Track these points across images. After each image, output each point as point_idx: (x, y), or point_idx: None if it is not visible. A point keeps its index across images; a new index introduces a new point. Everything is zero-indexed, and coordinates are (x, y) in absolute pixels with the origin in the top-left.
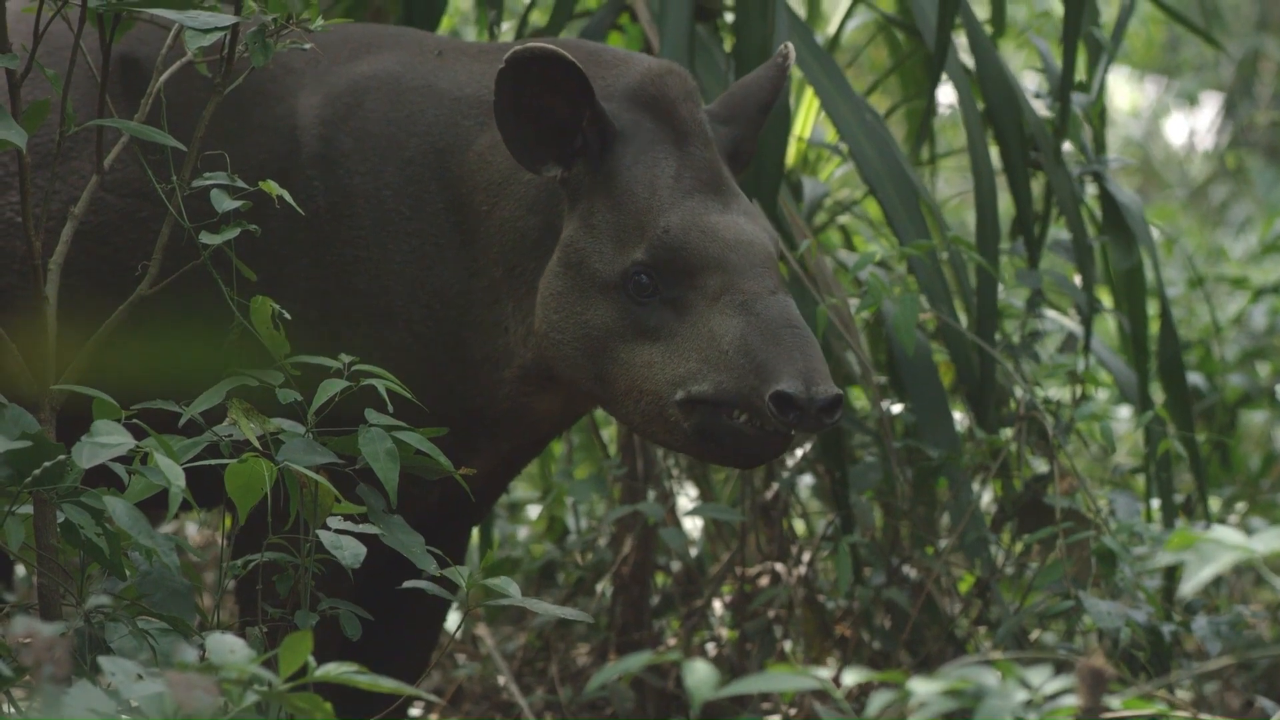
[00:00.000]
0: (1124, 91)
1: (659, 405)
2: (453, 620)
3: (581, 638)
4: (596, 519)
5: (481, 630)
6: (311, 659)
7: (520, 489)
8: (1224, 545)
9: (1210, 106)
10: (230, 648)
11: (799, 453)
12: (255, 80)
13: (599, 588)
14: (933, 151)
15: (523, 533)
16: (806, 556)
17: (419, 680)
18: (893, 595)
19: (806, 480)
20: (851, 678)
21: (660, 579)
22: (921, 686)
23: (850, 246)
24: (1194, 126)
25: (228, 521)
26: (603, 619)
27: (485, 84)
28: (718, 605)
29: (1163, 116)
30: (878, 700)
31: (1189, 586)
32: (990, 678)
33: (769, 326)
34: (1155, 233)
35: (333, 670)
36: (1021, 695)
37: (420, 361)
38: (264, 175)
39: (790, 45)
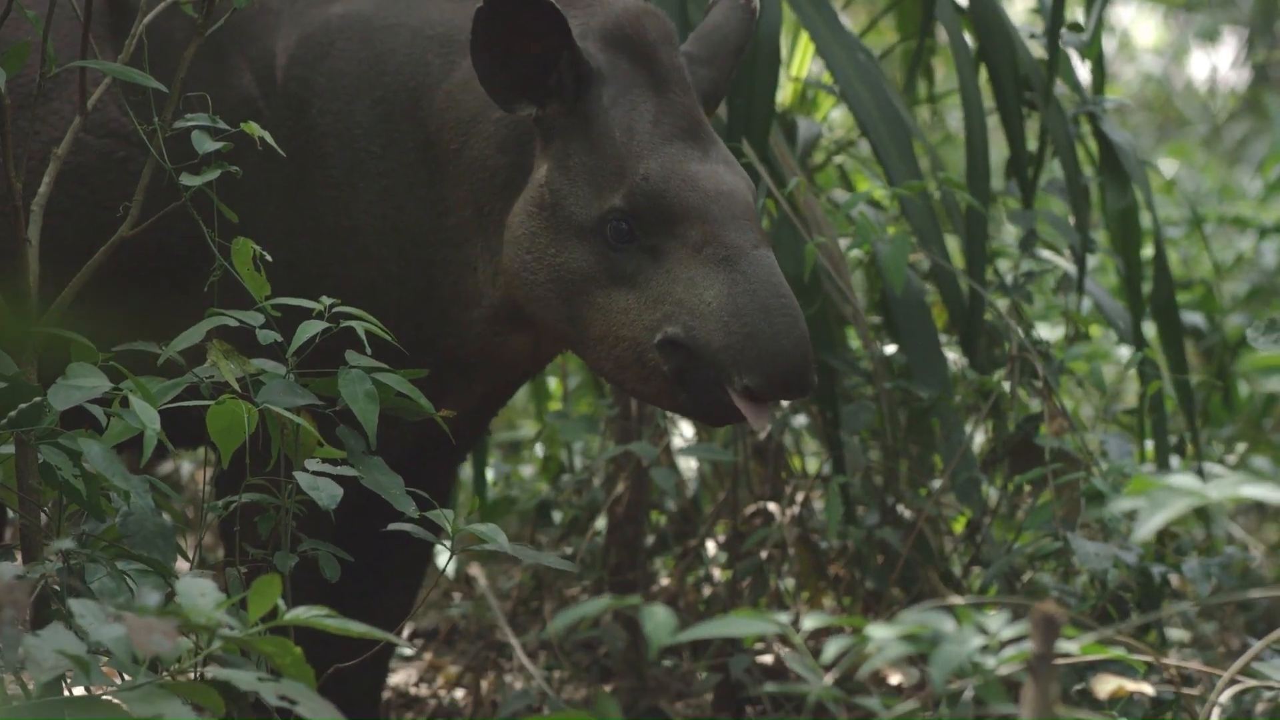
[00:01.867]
0: (1150, 27)
1: (636, 350)
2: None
3: (576, 577)
4: (592, 458)
5: (475, 570)
6: (282, 602)
7: (526, 426)
8: (1178, 491)
9: (1233, 43)
10: (200, 590)
11: None
12: (233, 21)
13: (594, 527)
14: (931, 89)
15: (528, 471)
16: (800, 497)
17: (403, 622)
18: (885, 535)
19: (801, 420)
20: (811, 622)
21: (657, 518)
22: (878, 631)
23: (849, 186)
24: (1216, 63)
25: (210, 462)
26: (598, 559)
27: (455, 23)
28: (711, 545)
29: (1183, 53)
30: (834, 645)
31: (1142, 532)
32: (947, 623)
33: (758, 292)
34: (1170, 171)
35: (302, 614)
36: (977, 640)
37: (391, 302)
38: (240, 116)
39: None
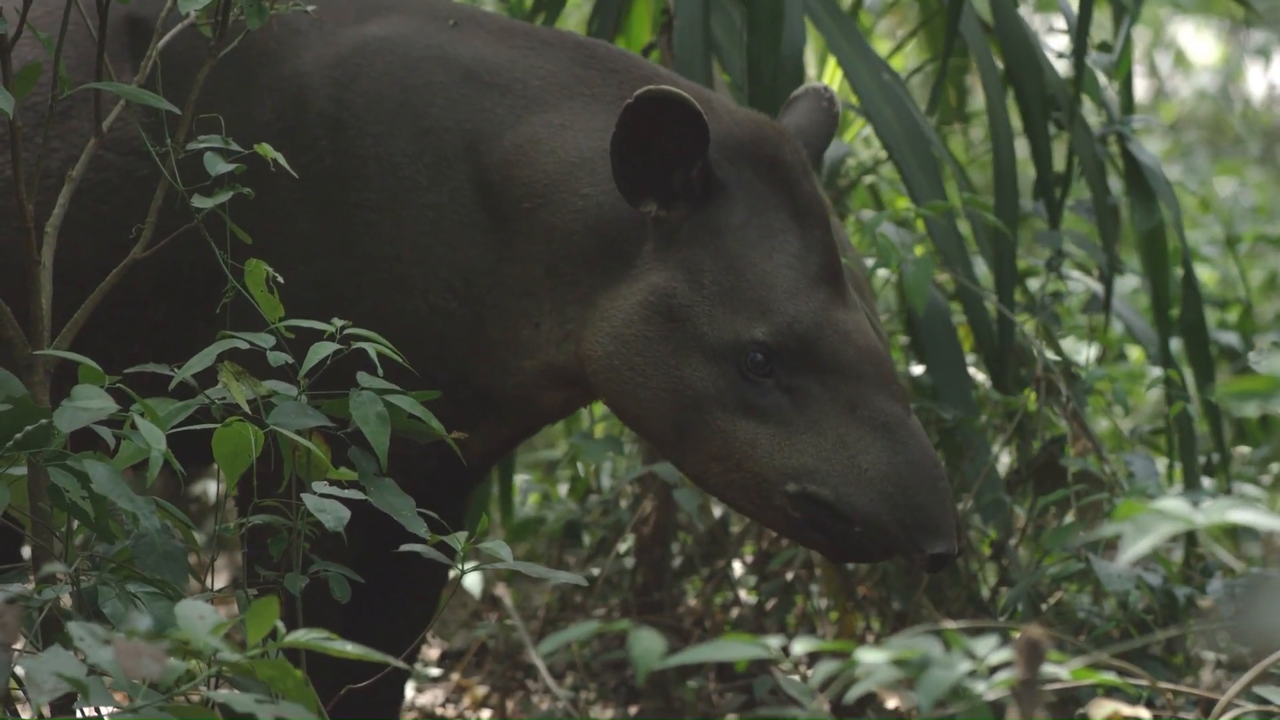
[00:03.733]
0: (1209, 44)
1: (761, 485)
2: (474, 581)
3: (602, 597)
4: (619, 478)
5: (501, 590)
6: (280, 625)
7: (563, 446)
8: (1166, 516)
9: None
10: (199, 613)
11: None
12: (259, 41)
13: (619, 548)
14: (963, 108)
15: (564, 489)
16: None
17: (415, 642)
18: None
19: None
20: (801, 646)
21: (684, 539)
22: (868, 656)
23: (881, 207)
24: (1273, 80)
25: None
26: (626, 580)
27: (516, 74)
28: (739, 566)
29: (1239, 70)
30: (823, 669)
31: (1127, 557)
32: (936, 647)
33: (920, 464)
34: (1226, 189)
35: (301, 636)
36: (966, 665)
37: (433, 333)
38: (268, 136)
39: (830, 87)
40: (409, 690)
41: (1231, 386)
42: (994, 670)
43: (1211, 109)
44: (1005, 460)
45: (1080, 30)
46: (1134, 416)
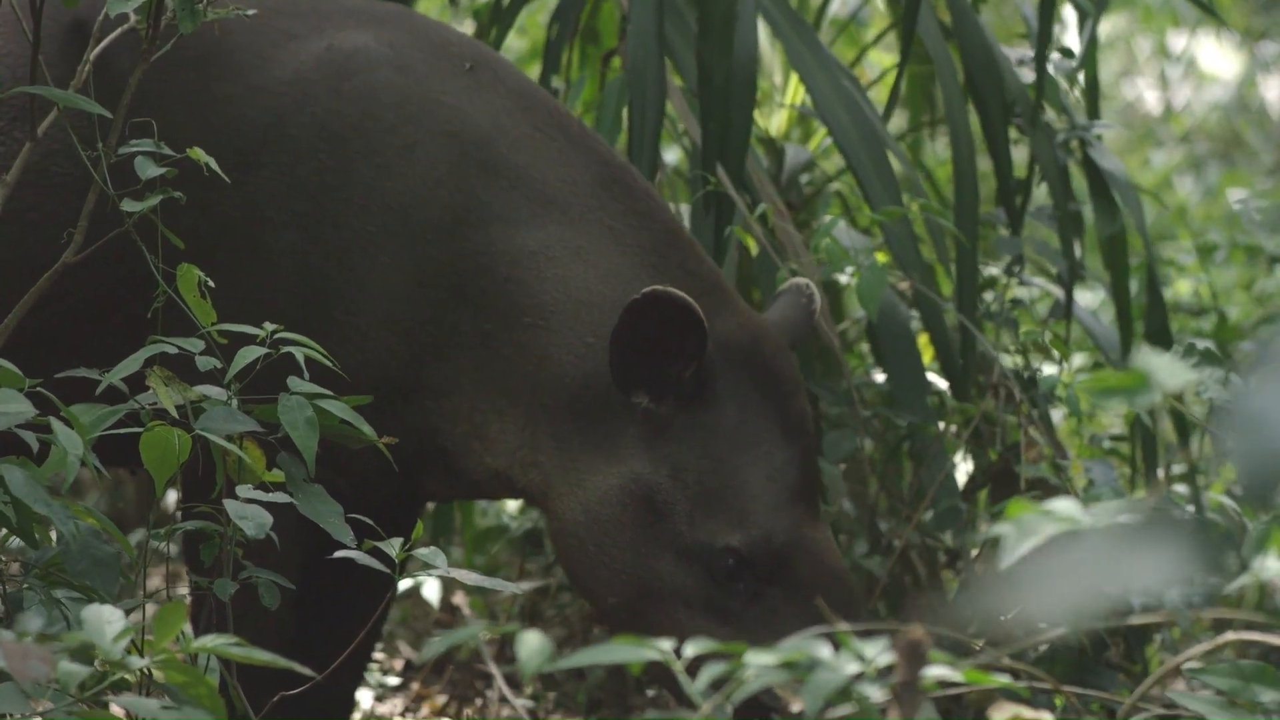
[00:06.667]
0: (1228, 56)
1: None
2: (433, 590)
3: (566, 606)
4: None
5: (460, 599)
6: (188, 630)
7: None
8: (1051, 518)
9: None
10: (106, 618)
11: None
12: (253, 44)
13: None
14: (933, 114)
15: None
16: None
17: (348, 650)
18: (870, 565)
19: None
20: (693, 649)
21: None
22: (756, 657)
23: (849, 214)
24: None
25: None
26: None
27: (540, 163)
28: None
29: (1251, 82)
30: (708, 671)
31: (1006, 561)
32: (825, 650)
33: None
34: (1238, 198)
35: (209, 643)
36: (854, 667)
37: (413, 377)
38: (261, 137)
39: (811, 284)
40: (369, 698)
41: (1096, 383)
42: (883, 672)
43: (1225, 121)
44: (968, 468)
45: (1041, 35)
46: (1117, 424)
